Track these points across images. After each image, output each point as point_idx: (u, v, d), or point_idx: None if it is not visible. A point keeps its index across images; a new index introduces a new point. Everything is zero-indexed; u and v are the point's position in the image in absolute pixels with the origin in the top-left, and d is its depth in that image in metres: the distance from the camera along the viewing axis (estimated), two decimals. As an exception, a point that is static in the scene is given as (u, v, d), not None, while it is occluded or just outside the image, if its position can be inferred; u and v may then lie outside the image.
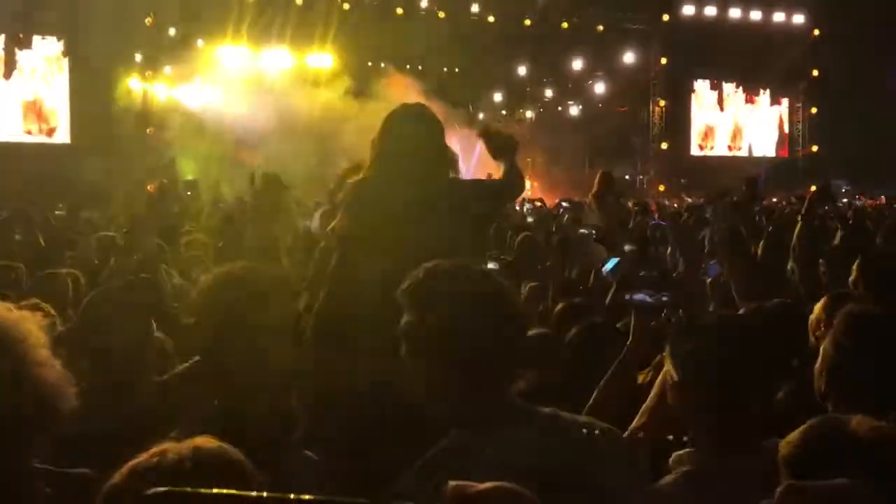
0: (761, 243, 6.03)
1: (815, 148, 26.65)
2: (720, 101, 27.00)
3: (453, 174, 3.15)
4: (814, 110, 26.68)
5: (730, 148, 27.10)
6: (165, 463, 1.25)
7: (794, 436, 1.58)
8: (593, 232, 8.00)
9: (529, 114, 25.04)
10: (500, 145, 3.44)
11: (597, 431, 1.64)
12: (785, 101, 27.53)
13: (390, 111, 3.23)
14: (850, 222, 7.63)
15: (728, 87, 26.87)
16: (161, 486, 1.12)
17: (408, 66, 22.36)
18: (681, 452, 1.91)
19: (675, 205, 16.37)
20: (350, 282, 2.92)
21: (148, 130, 19.78)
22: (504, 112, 24.45)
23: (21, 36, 18.58)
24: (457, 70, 22.83)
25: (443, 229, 2.93)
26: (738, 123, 27.18)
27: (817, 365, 2.25)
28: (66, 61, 19.05)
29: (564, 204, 11.31)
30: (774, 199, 14.04)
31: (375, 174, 3.09)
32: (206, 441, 1.32)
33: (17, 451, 1.54)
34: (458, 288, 1.71)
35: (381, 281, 2.78)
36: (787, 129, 27.77)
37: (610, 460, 1.62)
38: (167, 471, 1.24)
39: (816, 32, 25.21)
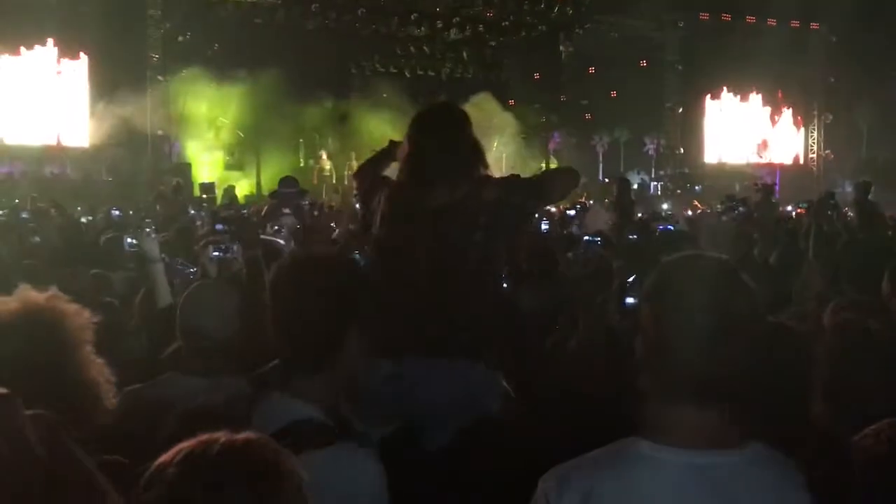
0: (775, 251, 6.06)
1: (830, 155, 26.54)
2: (735, 108, 26.90)
3: (484, 168, 3.10)
4: (830, 117, 26.56)
5: (758, 155, 27.01)
6: (212, 451, 1.25)
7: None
8: (598, 239, 8.04)
9: (543, 118, 25.05)
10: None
11: None
12: (801, 108, 27.40)
13: (418, 112, 3.23)
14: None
15: (743, 94, 26.77)
16: (202, 473, 1.21)
17: (420, 73, 22.47)
18: None
19: (689, 212, 16.32)
20: (391, 290, 2.91)
21: (159, 132, 19.91)
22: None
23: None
24: (469, 75, 22.90)
25: (475, 229, 2.93)
26: (752, 130, 27.06)
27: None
28: (85, 65, 19.22)
29: (571, 212, 11.27)
30: (789, 208, 13.96)
31: (406, 178, 3.08)
32: (256, 436, 1.32)
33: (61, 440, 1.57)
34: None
35: (421, 288, 2.88)
36: (801, 137, 27.64)
37: None
38: (212, 458, 1.25)
39: (833, 40, 25.11)
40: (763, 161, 26.53)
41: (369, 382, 2.70)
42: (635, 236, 6.82)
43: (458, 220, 2.92)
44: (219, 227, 6.67)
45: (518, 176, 3.14)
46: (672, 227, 7.75)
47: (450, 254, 2.90)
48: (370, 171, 3.36)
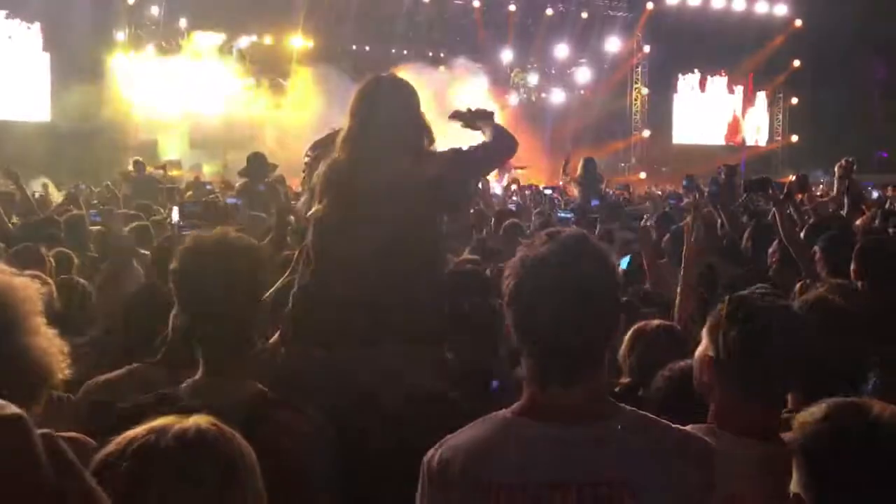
0: (746, 233, 6.09)
1: (794, 138, 26.88)
2: (702, 90, 27.12)
3: (429, 144, 2.98)
4: (794, 101, 26.88)
5: (726, 138, 27.26)
6: (163, 441, 1.25)
7: (810, 423, 1.54)
8: (571, 216, 8.12)
9: (513, 100, 25.04)
10: (474, 117, 3.22)
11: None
12: (766, 91, 27.70)
13: (361, 84, 3.07)
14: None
15: (710, 77, 26.99)
16: (152, 461, 1.18)
17: (393, 51, 22.31)
18: (698, 426, 1.86)
19: (659, 192, 16.46)
20: (328, 266, 2.85)
21: (130, 110, 19.60)
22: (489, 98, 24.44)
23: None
24: (442, 55, 22.80)
25: (419, 206, 2.85)
26: (719, 112, 27.33)
27: None
28: (45, 38, 18.80)
29: (548, 191, 11.37)
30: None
31: (347, 153, 2.93)
32: (205, 420, 1.30)
33: None
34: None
35: (359, 264, 2.76)
36: (767, 120, 27.96)
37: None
38: (160, 448, 1.24)
39: (798, 23, 25.37)
40: (732, 143, 26.80)
41: (300, 369, 2.70)
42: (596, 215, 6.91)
43: (398, 198, 2.82)
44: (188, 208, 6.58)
45: (459, 149, 3.04)
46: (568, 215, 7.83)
47: (390, 232, 2.80)
48: (322, 152, 3.22)
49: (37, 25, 18.64)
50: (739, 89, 27.48)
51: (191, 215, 5.95)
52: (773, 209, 5.44)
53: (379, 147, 2.90)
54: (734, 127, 27.52)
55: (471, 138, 3.22)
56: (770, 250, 5.12)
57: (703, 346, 1.98)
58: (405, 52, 22.19)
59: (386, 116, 2.93)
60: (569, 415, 1.57)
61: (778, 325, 1.91)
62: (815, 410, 1.58)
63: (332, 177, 2.92)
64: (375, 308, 2.73)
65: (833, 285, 3.38)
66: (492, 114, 3.22)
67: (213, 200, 7.93)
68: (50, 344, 1.77)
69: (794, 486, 1.58)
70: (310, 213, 2.98)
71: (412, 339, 2.73)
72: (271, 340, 2.90)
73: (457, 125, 3.28)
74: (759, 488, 1.80)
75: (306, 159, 3.41)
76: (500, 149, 3.16)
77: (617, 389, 2.69)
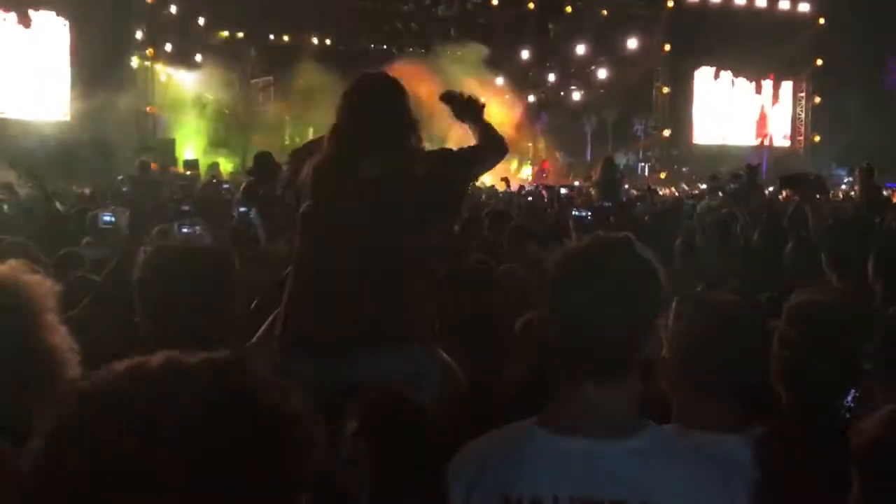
0: (757, 231, 6.03)
1: (816, 138, 26.60)
2: (723, 89, 26.88)
3: (417, 142, 2.92)
4: (817, 99, 26.59)
5: (756, 135, 27.05)
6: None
7: (868, 432, 1.53)
8: (588, 215, 8.02)
9: (531, 98, 24.95)
10: (462, 106, 3.17)
11: None
12: (788, 91, 27.42)
13: (349, 83, 3.03)
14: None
15: (731, 76, 26.74)
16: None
17: (410, 49, 22.32)
18: (667, 426, 1.87)
19: (676, 193, 16.35)
20: (315, 265, 2.81)
21: (147, 109, 19.75)
22: (506, 97, 24.39)
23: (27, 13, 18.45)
24: (459, 53, 22.76)
25: (407, 206, 2.78)
26: (740, 111, 27.09)
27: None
28: (67, 38, 18.92)
29: (563, 190, 11.28)
30: (771, 189, 13.97)
31: (335, 151, 2.89)
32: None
33: (17, 412, 1.49)
34: None
35: (347, 262, 2.71)
36: (790, 119, 27.68)
37: None
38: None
39: (822, 21, 25.08)
40: (757, 142, 26.57)
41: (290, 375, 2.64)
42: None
43: (387, 196, 2.76)
44: (184, 207, 6.58)
45: (449, 150, 2.99)
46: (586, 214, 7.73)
47: (380, 231, 2.74)
48: (304, 156, 3.14)
49: (60, 21, 18.77)
50: (761, 88, 27.20)
51: (184, 215, 5.93)
52: (796, 207, 5.37)
53: (366, 144, 2.84)
54: (752, 126, 27.25)
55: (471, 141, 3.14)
56: (787, 250, 5.05)
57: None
58: (423, 49, 22.19)
59: (373, 114, 2.87)
60: (598, 427, 1.55)
61: (718, 323, 1.93)
62: (874, 420, 1.55)
63: (320, 175, 2.87)
64: (360, 311, 2.68)
65: (841, 286, 3.31)
66: (482, 107, 3.16)
67: (210, 197, 7.92)
68: (63, 341, 1.80)
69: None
70: (299, 211, 2.92)
71: (394, 342, 2.68)
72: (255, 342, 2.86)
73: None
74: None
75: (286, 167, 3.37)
76: (490, 152, 3.10)
77: None
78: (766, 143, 26.82)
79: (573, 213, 6.37)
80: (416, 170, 2.83)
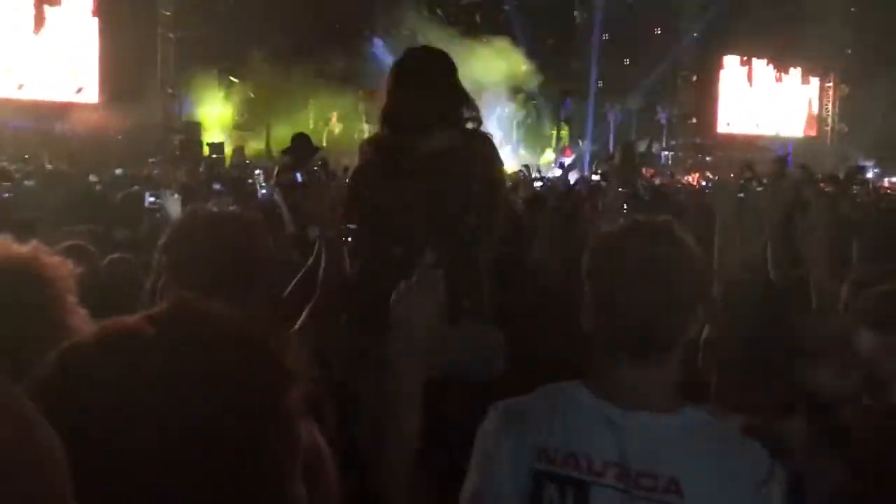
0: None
1: (845, 128, 26.27)
2: (749, 78, 26.59)
3: (475, 114, 2.91)
4: (846, 89, 26.24)
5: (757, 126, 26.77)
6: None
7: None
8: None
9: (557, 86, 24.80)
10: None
11: None
12: (815, 80, 27.08)
13: (396, 60, 3.00)
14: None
15: (758, 64, 26.44)
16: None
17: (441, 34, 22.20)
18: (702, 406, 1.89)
19: (700, 181, 16.24)
20: (375, 251, 2.81)
21: (169, 90, 19.81)
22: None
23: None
24: (484, 40, 22.68)
25: (474, 182, 2.79)
26: (766, 101, 26.79)
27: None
28: (95, 18, 18.99)
29: (595, 177, 11.23)
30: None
31: (390, 130, 2.87)
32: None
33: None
34: None
35: (416, 243, 2.63)
36: (815, 109, 27.35)
37: None
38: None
39: (852, 10, 24.71)
40: (773, 132, 26.29)
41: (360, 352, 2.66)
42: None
43: (451, 168, 2.75)
44: (216, 187, 6.65)
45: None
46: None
47: (447, 204, 2.74)
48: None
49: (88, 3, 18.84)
50: (786, 77, 26.88)
51: (216, 194, 6.01)
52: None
53: (422, 118, 2.82)
54: (780, 115, 26.93)
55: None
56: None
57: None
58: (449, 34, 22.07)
59: (424, 90, 2.84)
60: (634, 399, 1.57)
61: (763, 309, 1.97)
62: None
63: (378, 152, 2.89)
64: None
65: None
66: None
67: (240, 178, 7.94)
68: (83, 322, 1.79)
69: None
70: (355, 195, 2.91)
71: (464, 317, 2.68)
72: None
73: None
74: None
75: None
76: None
77: None
78: (792, 133, 26.54)
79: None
80: (474, 146, 2.83)
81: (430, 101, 2.83)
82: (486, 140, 2.94)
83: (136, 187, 7.10)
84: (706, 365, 2.01)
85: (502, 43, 21.28)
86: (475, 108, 2.92)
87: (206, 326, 0.87)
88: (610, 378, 1.60)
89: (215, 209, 2.10)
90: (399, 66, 2.94)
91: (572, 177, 11.58)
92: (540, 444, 1.57)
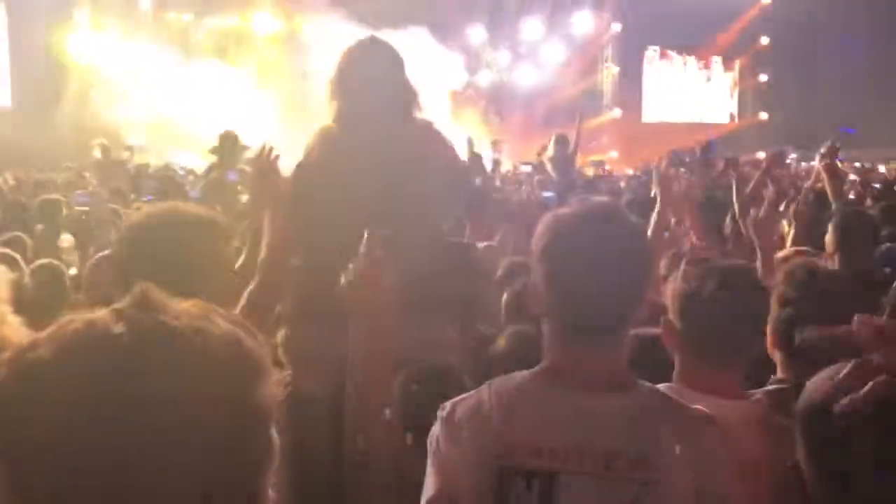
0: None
1: (763, 115, 27.09)
2: (672, 69, 27.19)
3: (419, 111, 2.89)
4: (763, 78, 27.06)
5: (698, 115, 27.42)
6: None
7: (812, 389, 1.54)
8: (552, 195, 8.07)
9: (485, 79, 24.91)
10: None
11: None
12: (735, 69, 27.85)
13: (343, 51, 2.94)
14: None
15: (679, 55, 27.06)
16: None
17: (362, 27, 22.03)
18: (664, 385, 1.89)
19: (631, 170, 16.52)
20: (322, 235, 2.74)
21: (91, 93, 19.20)
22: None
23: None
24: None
25: (415, 179, 2.75)
26: (689, 90, 27.45)
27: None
28: (4, 20, 18.27)
29: (525, 168, 11.31)
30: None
31: (336, 122, 2.85)
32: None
33: None
34: None
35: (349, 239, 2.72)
36: (737, 97, 28.14)
37: None
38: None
39: (766, 1, 25.47)
40: (697, 121, 26.96)
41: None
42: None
43: (399, 157, 2.73)
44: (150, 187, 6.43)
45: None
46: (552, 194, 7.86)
47: (398, 190, 2.70)
48: None
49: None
50: (708, 67, 27.58)
51: (149, 190, 5.90)
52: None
53: (370, 111, 2.79)
54: (701, 104, 27.65)
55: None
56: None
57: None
58: (375, 28, 21.94)
59: (374, 78, 2.82)
60: (590, 381, 1.56)
61: (726, 285, 1.93)
62: (821, 376, 1.56)
63: (324, 144, 2.84)
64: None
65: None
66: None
67: (171, 175, 7.77)
68: (14, 333, 1.73)
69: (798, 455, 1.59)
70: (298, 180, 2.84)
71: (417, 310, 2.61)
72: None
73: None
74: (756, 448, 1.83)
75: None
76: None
77: None
78: (714, 121, 27.25)
79: (542, 195, 6.42)
80: (421, 142, 2.82)
81: (378, 94, 2.79)
82: (435, 130, 2.92)
83: (54, 195, 6.85)
84: (668, 343, 1.99)
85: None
86: (419, 103, 2.89)
87: (177, 319, 0.77)
88: (562, 363, 1.59)
89: (182, 207, 2.06)
90: (346, 55, 2.90)
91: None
92: (500, 441, 1.54)
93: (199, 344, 0.75)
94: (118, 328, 0.74)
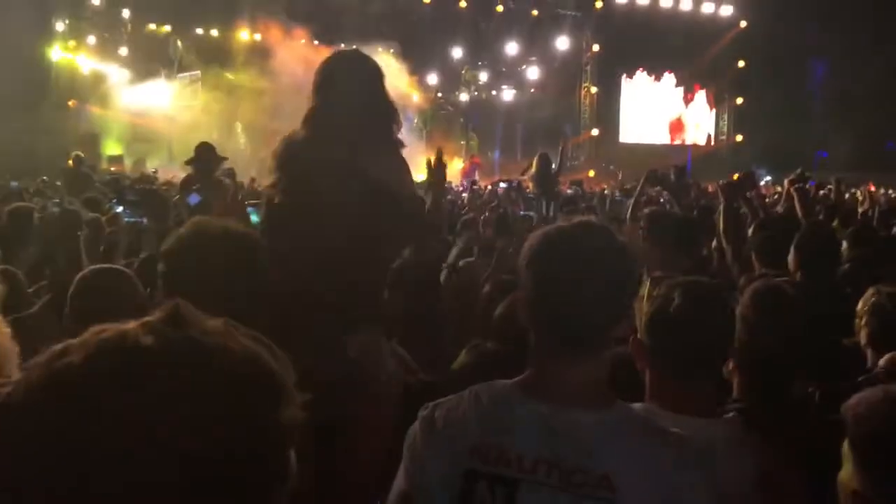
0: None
1: (739, 138, 27.42)
2: (649, 91, 27.47)
3: (397, 129, 2.86)
4: (739, 101, 27.41)
5: (671, 137, 27.68)
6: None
7: (862, 408, 1.56)
8: (532, 214, 8.12)
9: (464, 97, 25.04)
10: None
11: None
12: (712, 92, 28.18)
13: (324, 61, 2.89)
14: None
15: (657, 77, 27.35)
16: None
17: (342, 46, 22.08)
18: (637, 405, 1.88)
19: (605, 188, 16.62)
20: (281, 252, 2.67)
21: (70, 103, 19.10)
22: (440, 94, 24.41)
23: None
24: (392, 51, 22.67)
25: (373, 216, 2.69)
26: (667, 112, 27.73)
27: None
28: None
29: (502, 185, 11.38)
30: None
31: (309, 132, 2.79)
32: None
33: None
34: None
35: (314, 250, 2.63)
36: (713, 119, 28.47)
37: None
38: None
39: (743, 24, 25.86)
40: (672, 142, 27.23)
41: None
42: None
43: (357, 181, 2.67)
44: (129, 197, 6.41)
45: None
46: (532, 214, 7.91)
47: (351, 211, 2.66)
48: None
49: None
50: (686, 89, 27.88)
51: (131, 204, 5.85)
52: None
53: (339, 125, 2.75)
54: (678, 126, 27.94)
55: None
56: (714, 245, 5.19)
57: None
58: (354, 46, 21.99)
59: (350, 92, 2.78)
60: (569, 397, 1.57)
61: (694, 306, 1.94)
62: (866, 396, 1.58)
63: (287, 154, 2.80)
64: (312, 293, 2.64)
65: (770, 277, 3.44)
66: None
67: (154, 189, 7.72)
68: (3, 340, 1.72)
69: (844, 476, 1.60)
70: (262, 188, 2.88)
71: (348, 323, 2.65)
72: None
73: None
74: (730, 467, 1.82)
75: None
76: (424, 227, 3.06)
77: None
78: (690, 142, 27.52)
79: (521, 212, 6.45)
80: (389, 160, 2.78)
81: (355, 109, 2.76)
82: (399, 162, 2.86)
83: (23, 203, 6.77)
84: (639, 362, 2.00)
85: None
86: (397, 119, 2.86)
87: (205, 335, 0.80)
88: (543, 375, 1.61)
89: (225, 224, 2.05)
90: (325, 67, 2.85)
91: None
92: (471, 444, 1.57)
93: (222, 362, 0.77)
94: (147, 340, 0.77)
